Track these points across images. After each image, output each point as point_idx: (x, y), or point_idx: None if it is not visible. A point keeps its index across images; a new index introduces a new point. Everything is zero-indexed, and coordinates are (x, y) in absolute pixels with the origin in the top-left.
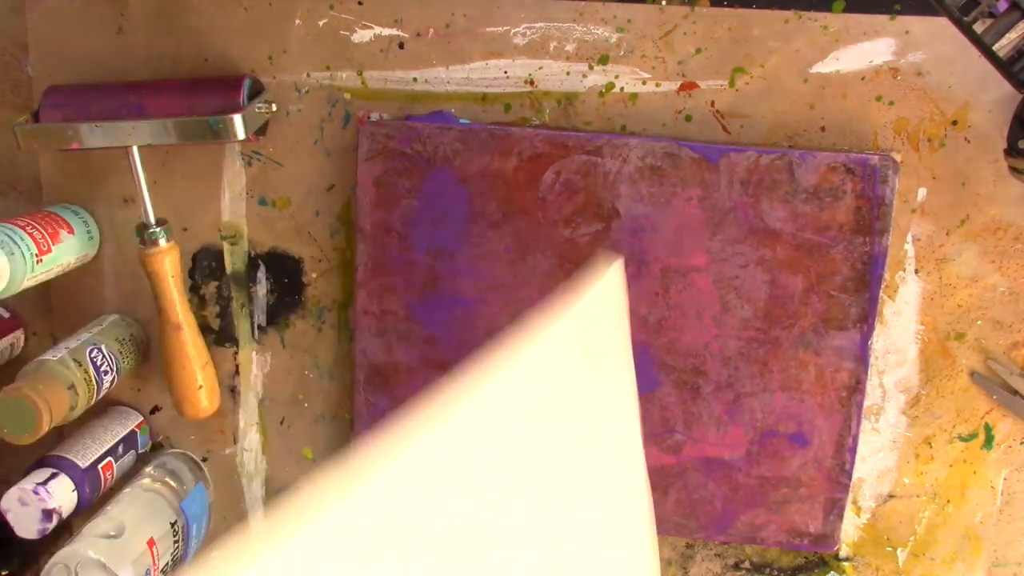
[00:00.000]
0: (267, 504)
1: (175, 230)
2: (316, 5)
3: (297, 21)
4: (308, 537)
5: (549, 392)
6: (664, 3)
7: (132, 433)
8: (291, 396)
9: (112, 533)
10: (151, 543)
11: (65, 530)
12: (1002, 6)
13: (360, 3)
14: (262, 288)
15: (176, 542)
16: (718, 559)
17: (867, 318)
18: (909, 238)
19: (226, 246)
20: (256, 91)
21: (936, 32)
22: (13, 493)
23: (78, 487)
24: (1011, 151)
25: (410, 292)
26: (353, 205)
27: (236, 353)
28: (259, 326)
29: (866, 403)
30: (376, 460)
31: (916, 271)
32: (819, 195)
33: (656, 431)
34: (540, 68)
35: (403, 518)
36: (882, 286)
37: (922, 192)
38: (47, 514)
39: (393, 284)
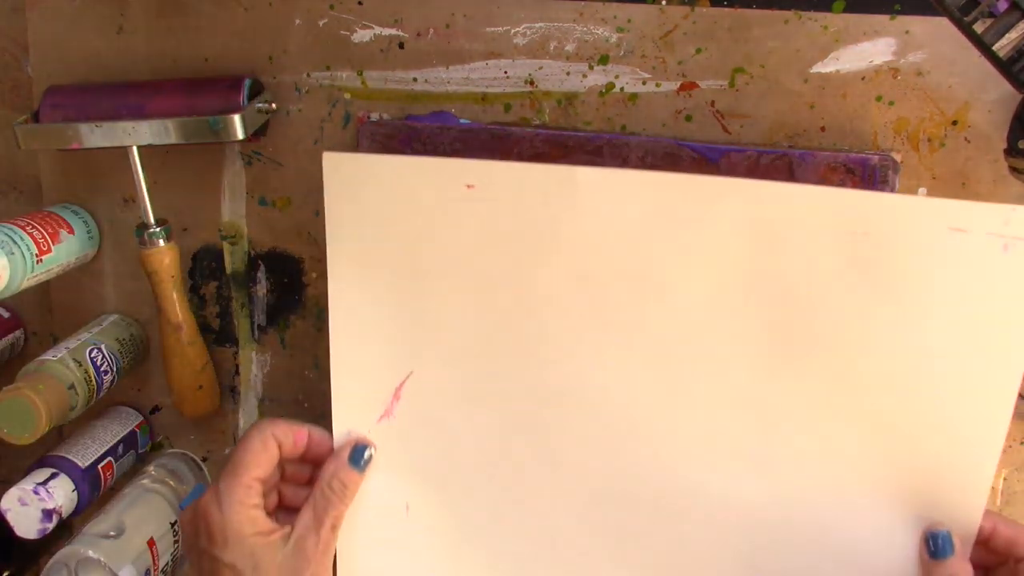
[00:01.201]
0: None
1: (175, 230)
2: (316, 5)
3: (297, 21)
4: None
5: None
6: (664, 3)
7: (132, 433)
8: (291, 396)
9: (112, 533)
10: (151, 543)
11: (65, 530)
12: (1002, 6)
13: (360, 3)
14: (262, 288)
15: (176, 542)
16: None
17: None
18: None
19: (226, 246)
20: (256, 91)
21: (936, 32)
22: (13, 493)
23: (78, 487)
24: (1011, 151)
25: None
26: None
27: (236, 353)
28: (259, 326)
29: None
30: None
31: None
32: None
33: None
34: (540, 68)
35: None
36: None
37: (922, 192)
38: (47, 514)
39: None
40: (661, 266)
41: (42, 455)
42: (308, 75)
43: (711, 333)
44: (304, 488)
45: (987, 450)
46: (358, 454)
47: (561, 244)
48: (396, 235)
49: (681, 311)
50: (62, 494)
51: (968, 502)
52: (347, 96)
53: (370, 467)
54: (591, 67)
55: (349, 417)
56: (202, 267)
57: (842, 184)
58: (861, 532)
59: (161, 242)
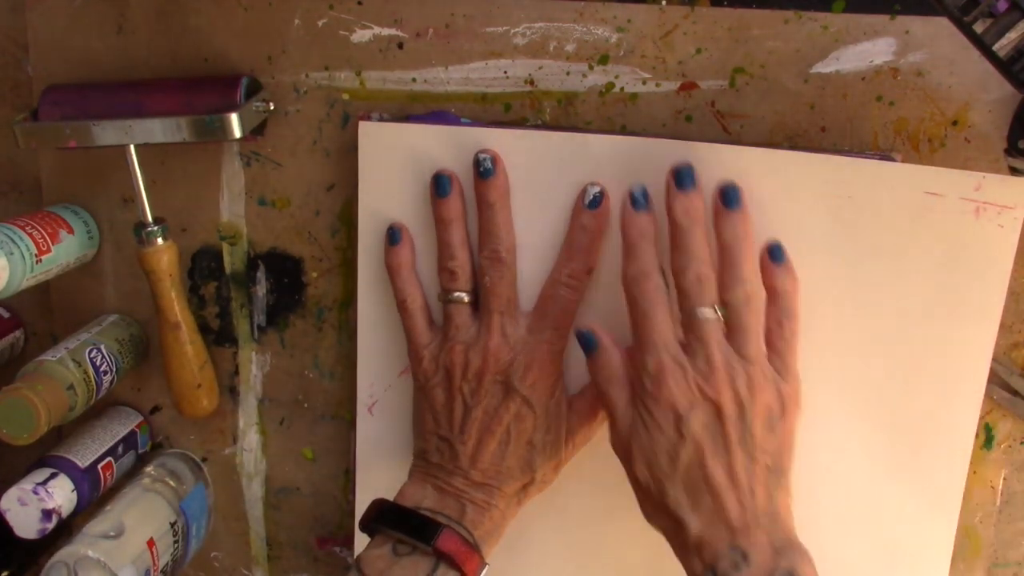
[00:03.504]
0: (267, 504)
1: (174, 230)
2: (315, 5)
3: (296, 21)
4: None
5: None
6: (664, 3)
7: (132, 433)
8: (291, 396)
9: (112, 533)
10: (151, 543)
11: (65, 530)
12: (1002, 6)
13: (360, 3)
14: (262, 288)
15: (176, 542)
16: None
17: None
18: None
19: (225, 246)
20: (254, 90)
21: (936, 32)
22: (13, 493)
23: (78, 487)
24: (1011, 151)
25: None
26: (355, 204)
27: (236, 353)
28: (259, 326)
29: None
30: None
31: None
32: None
33: None
34: (540, 68)
35: None
36: None
37: None
38: (47, 514)
39: None
40: (667, 230)
41: (42, 455)
42: (307, 75)
43: None
44: None
45: (965, 417)
46: None
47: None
48: (422, 199)
49: None
50: (62, 494)
51: (950, 472)
52: (345, 97)
53: (386, 419)
54: (591, 67)
55: (373, 371)
56: (201, 267)
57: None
58: (854, 493)
59: (159, 240)
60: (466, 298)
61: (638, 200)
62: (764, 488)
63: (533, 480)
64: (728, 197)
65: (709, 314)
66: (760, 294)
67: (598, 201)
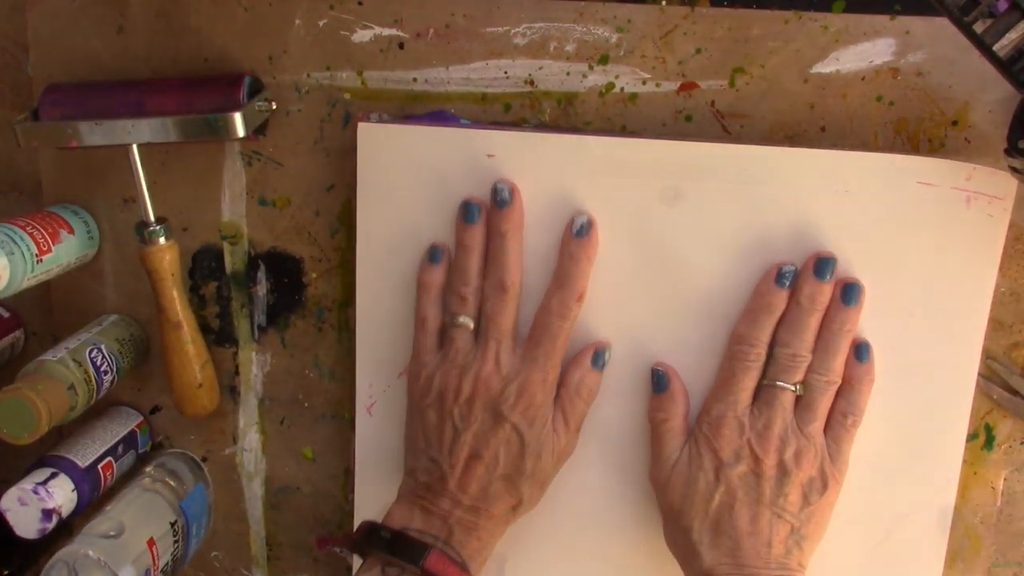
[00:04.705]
0: (267, 504)
1: (175, 230)
2: (316, 5)
3: (297, 21)
4: None
5: None
6: (664, 3)
7: (132, 433)
8: (291, 396)
9: (112, 533)
10: (151, 543)
11: (65, 530)
12: (1002, 6)
13: (360, 3)
14: (262, 288)
15: (176, 542)
16: None
17: None
18: None
19: (226, 246)
20: (256, 89)
21: (936, 32)
22: (13, 493)
23: (78, 487)
24: (1011, 151)
25: None
26: (355, 204)
27: (236, 353)
28: (259, 326)
29: None
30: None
31: None
32: None
33: None
34: (540, 68)
35: None
36: None
37: None
38: (47, 514)
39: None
40: (669, 228)
41: (42, 455)
42: (308, 75)
43: (714, 291)
44: None
45: (958, 408)
46: (599, 357)
47: (574, 209)
48: (420, 201)
49: (687, 271)
50: (62, 494)
51: (944, 465)
52: (347, 96)
53: (385, 419)
54: (591, 67)
55: (371, 372)
56: (202, 267)
57: None
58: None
59: (161, 240)
60: (471, 324)
61: (784, 276)
62: (783, 545)
63: (521, 502)
64: (849, 294)
65: (787, 388)
66: (837, 384)
67: (585, 230)
